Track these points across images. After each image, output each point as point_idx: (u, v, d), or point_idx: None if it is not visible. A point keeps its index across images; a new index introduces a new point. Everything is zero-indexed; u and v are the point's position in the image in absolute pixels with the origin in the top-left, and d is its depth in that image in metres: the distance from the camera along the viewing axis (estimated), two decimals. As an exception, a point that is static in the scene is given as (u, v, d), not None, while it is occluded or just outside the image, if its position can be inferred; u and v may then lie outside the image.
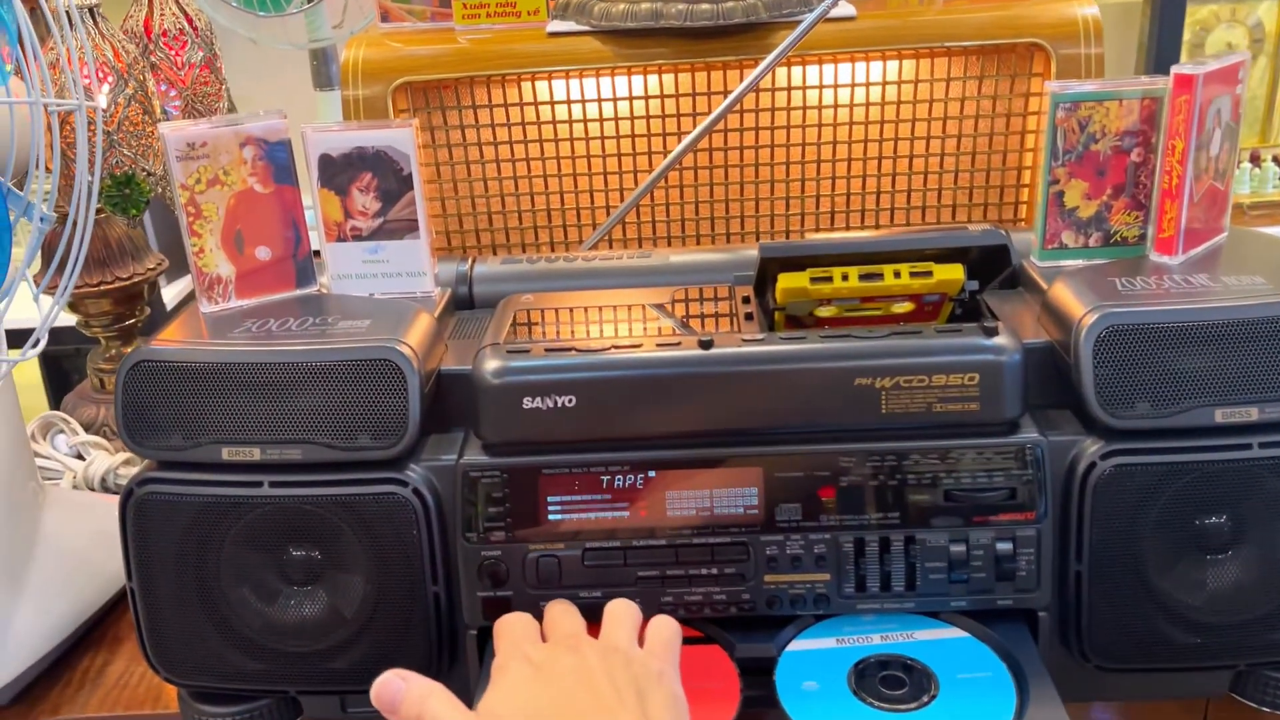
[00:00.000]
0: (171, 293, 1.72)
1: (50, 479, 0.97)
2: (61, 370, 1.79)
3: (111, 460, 0.97)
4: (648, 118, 0.89)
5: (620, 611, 0.58)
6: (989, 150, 0.89)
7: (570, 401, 0.60)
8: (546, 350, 0.61)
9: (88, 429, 1.03)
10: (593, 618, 0.63)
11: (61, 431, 1.01)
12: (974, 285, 0.68)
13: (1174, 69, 0.65)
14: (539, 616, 0.61)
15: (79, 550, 0.81)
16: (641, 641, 0.57)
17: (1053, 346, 0.64)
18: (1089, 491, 0.60)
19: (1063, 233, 0.70)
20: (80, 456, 0.99)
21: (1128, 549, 0.61)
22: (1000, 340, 0.60)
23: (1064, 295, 0.64)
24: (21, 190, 0.70)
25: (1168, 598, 0.61)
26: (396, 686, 0.53)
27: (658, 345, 0.61)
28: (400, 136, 0.71)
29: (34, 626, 0.74)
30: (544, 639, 0.58)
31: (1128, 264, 0.68)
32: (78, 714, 0.73)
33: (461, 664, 0.65)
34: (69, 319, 1.06)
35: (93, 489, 0.97)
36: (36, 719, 0.72)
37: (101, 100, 0.87)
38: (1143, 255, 0.70)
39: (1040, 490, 0.61)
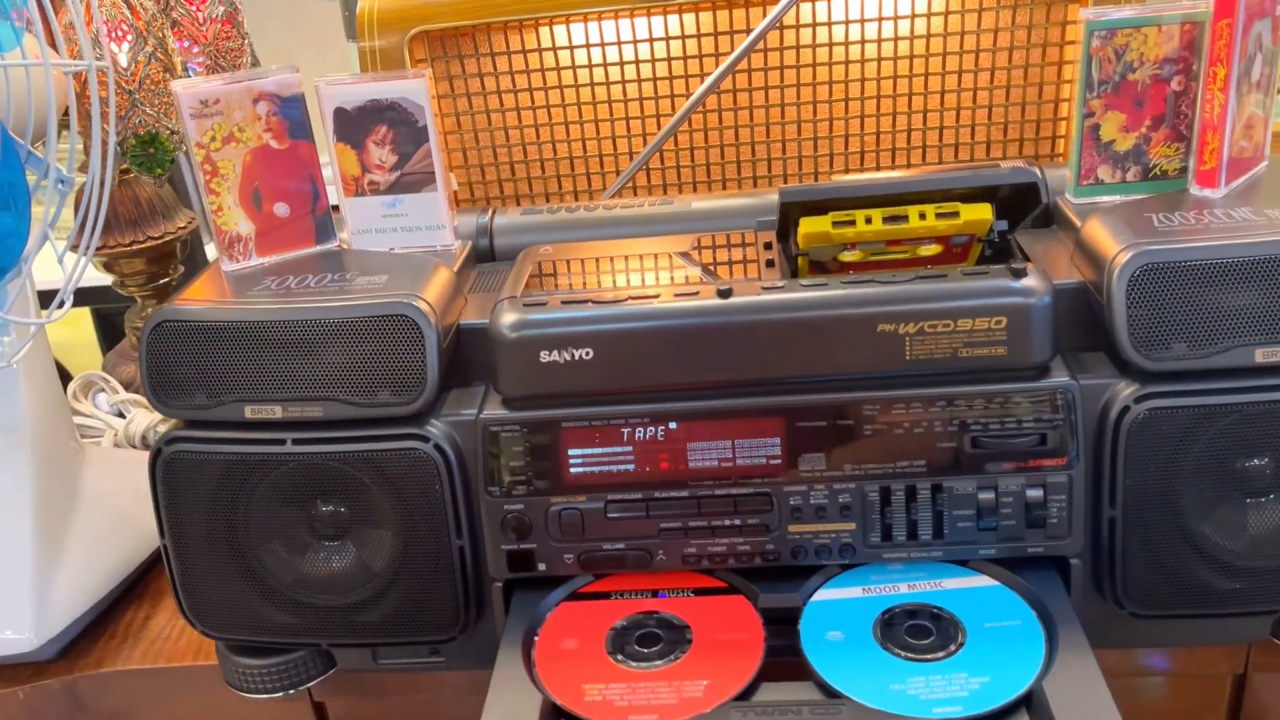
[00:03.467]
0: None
1: (92, 437, 0.99)
2: (115, 328, 1.82)
3: (151, 418, 0.99)
4: (669, 59, 0.86)
5: None
6: (1024, 83, 0.86)
7: (588, 354, 0.60)
8: (563, 302, 0.61)
9: (128, 387, 1.04)
10: (617, 568, 0.63)
11: (102, 390, 1.02)
12: (1003, 225, 0.66)
13: (1216, -9, 0.62)
14: (563, 569, 0.61)
15: (119, 507, 0.82)
16: None
17: (1086, 287, 0.62)
18: (1123, 436, 0.58)
19: (1099, 167, 0.68)
20: (121, 414, 1.01)
21: (1164, 494, 0.59)
22: (1029, 282, 0.58)
23: (1097, 233, 0.61)
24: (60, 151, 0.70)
25: (1206, 542, 0.60)
26: None
27: (675, 295, 0.60)
28: (414, 87, 0.70)
29: (76, 583, 0.76)
30: None
31: (1167, 199, 0.65)
32: (121, 667, 0.75)
33: (489, 617, 0.65)
34: (107, 279, 1.07)
35: (134, 446, 0.98)
36: (81, 672, 0.74)
37: (122, 59, 0.87)
38: (1184, 189, 0.67)
39: (1072, 435, 0.59)
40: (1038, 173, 0.68)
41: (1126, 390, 0.58)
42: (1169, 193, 0.67)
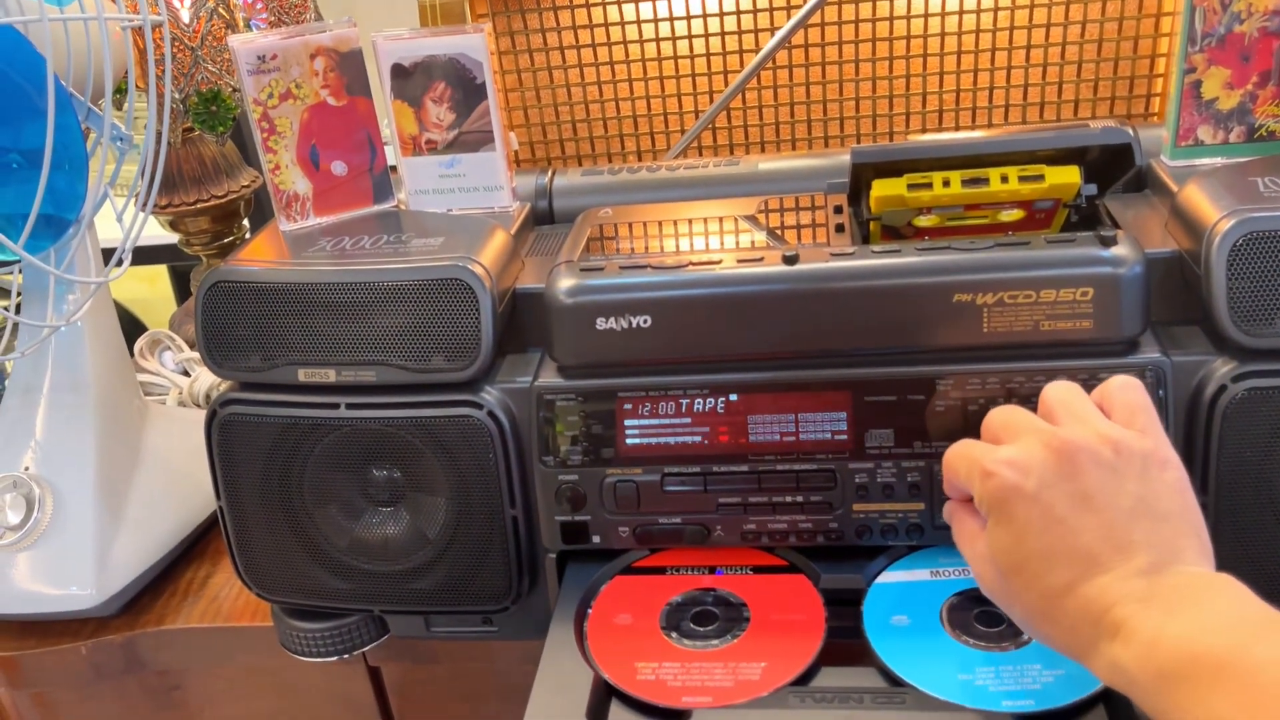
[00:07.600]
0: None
1: (157, 395, 0.99)
2: (190, 284, 1.85)
3: (215, 377, 0.99)
4: (738, 13, 0.83)
5: (1062, 396, 0.49)
6: (1118, 37, 0.81)
7: (645, 322, 0.57)
8: (621, 268, 0.58)
9: (192, 346, 1.05)
10: (673, 543, 0.61)
11: (168, 348, 1.03)
12: (1091, 189, 0.61)
13: (1337, -66, 0.56)
14: (618, 542, 0.59)
15: (181, 466, 0.83)
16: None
17: (1181, 256, 0.57)
18: (1218, 417, 0.54)
19: (1199, 127, 0.63)
20: (186, 373, 1.02)
21: (1260, 480, 0.55)
22: (1118, 250, 0.54)
23: (1196, 198, 0.57)
24: (124, 109, 0.70)
25: (1305, 533, 0.56)
26: None
27: (738, 261, 0.57)
28: (472, 43, 0.68)
29: (137, 541, 0.76)
30: None
31: (1274, 161, 0.61)
32: (181, 624, 0.75)
33: (542, 587, 0.64)
34: (173, 237, 1.08)
35: (198, 405, 0.99)
36: (142, 629, 0.75)
37: (184, 15, 0.86)
38: (1292, 151, 0.62)
39: (1162, 415, 0.55)
40: (1131, 133, 0.64)
41: (1224, 368, 0.54)
42: (1276, 155, 0.62)
